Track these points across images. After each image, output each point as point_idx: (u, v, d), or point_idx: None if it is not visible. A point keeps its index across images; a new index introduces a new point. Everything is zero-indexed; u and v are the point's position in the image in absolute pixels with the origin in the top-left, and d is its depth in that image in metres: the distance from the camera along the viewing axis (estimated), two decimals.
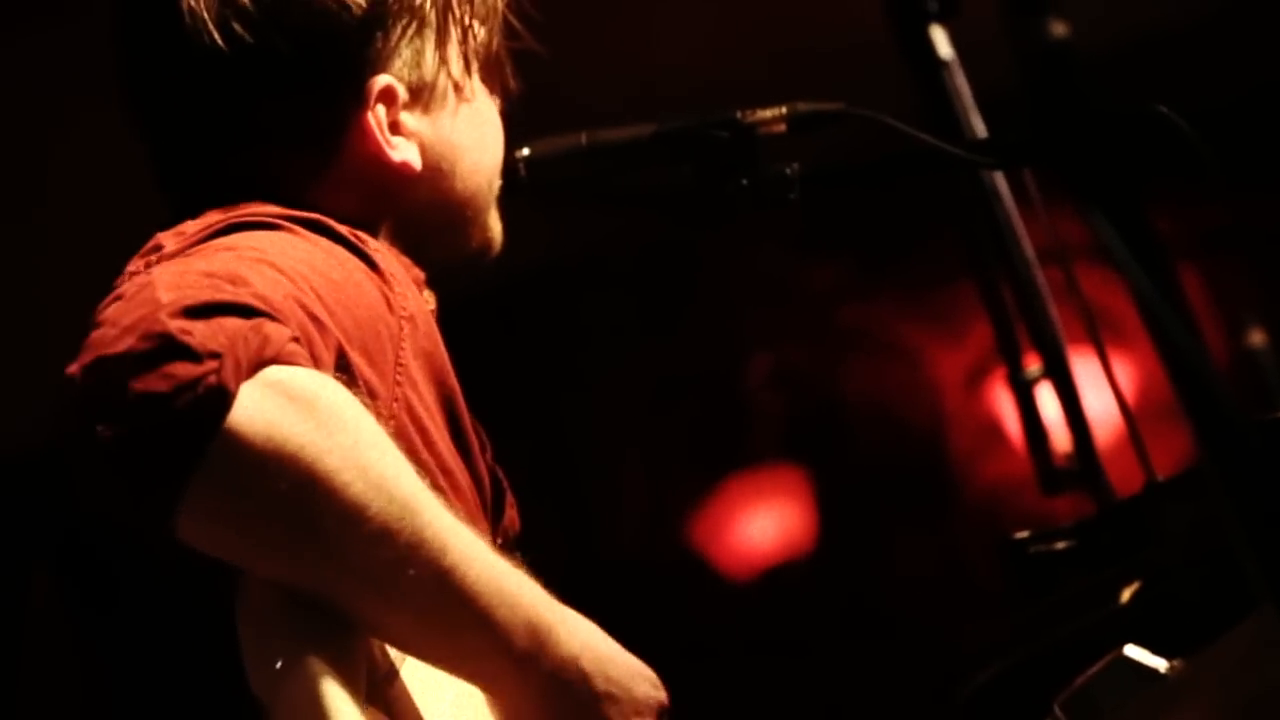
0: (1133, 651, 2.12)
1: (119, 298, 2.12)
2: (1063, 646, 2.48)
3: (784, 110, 2.58)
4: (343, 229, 2.32)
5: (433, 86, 2.52)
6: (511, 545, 2.61)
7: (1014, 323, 3.25)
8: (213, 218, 2.30)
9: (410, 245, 2.49)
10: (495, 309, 5.33)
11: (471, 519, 2.38)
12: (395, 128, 2.49)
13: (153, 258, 2.24)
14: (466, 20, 2.54)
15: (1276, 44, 5.12)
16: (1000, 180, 3.18)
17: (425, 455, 2.32)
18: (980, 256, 3.25)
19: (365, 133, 2.46)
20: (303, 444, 2.02)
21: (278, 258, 2.19)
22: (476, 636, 2.11)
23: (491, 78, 2.63)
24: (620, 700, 2.20)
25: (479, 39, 2.56)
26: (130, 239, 2.38)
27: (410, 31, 2.49)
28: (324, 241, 2.30)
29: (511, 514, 2.60)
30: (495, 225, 2.61)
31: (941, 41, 3.23)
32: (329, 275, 2.23)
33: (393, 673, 2.15)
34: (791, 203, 2.57)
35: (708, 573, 5.73)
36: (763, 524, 5.75)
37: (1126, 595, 2.54)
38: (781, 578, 5.71)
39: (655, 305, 5.75)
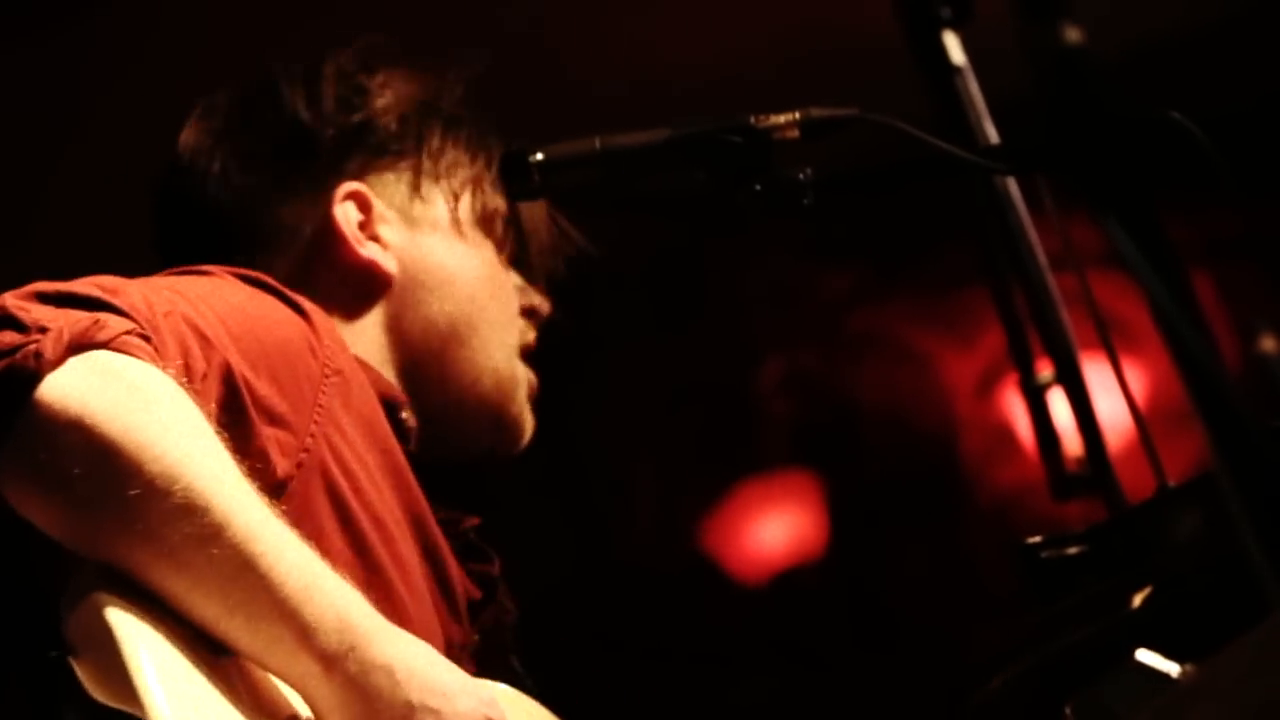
0: (1145, 656, 2.11)
1: None
2: (1075, 651, 2.48)
3: (797, 115, 2.58)
4: (277, 284, 2.41)
5: (414, 211, 2.67)
6: (503, 645, 2.61)
7: (1026, 328, 3.24)
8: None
9: (405, 364, 2.53)
10: None
11: (405, 580, 2.39)
12: (373, 236, 2.65)
13: None
14: (449, 171, 2.70)
15: None
16: (1013, 186, 3.18)
17: (350, 499, 2.36)
18: (992, 262, 3.25)
19: (337, 232, 2.62)
20: (113, 415, 2.06)
21: (185, 289, 2.28)
22: (281, 628, 2.11)
23: (503, 242, 2.70)
24: (440, 712, 2.15)
25: (484, 198, 2.72)
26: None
27: (391, 153, 2.68)
28: (251, 289, 2.38)
29: (496, 613, 2.61)
30: (516, 396, 2.67)
31: (954, 47, 3.23)
32: (242, 309, 2.31)
33: None
34: (804, 208, 2.58)
35: (719, 577, 5.72)
36: (773, 529, 5.74)
37: (1138, 600, 2.54)
38: (792, 582, 5.71)
39: (667, 310, 5.75)
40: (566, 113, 2.69)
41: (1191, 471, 2.70)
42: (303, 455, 2.31)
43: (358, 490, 2.36)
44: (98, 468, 2.06)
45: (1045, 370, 3.22)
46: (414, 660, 2.16)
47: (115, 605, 2.06)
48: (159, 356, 2.15)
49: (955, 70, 3.21)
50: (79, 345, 2.09)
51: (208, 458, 2.11)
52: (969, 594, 5.38)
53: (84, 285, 2.18)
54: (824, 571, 5.68)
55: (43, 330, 2.08)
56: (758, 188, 2.57)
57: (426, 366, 2.61)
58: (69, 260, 2.38)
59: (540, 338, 2.80)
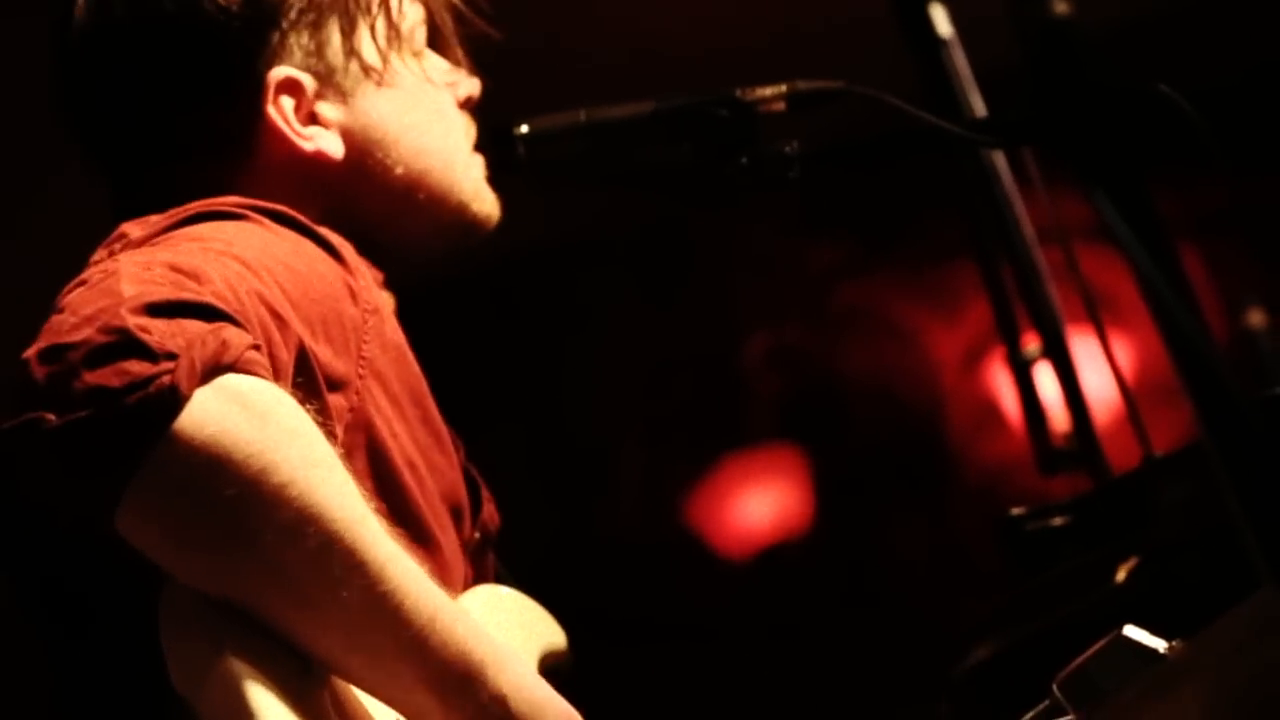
0: (1132, 631, 2.11)
1: (83, 284, 2.12)
2: (1062, 626, 2.48)
3: (784, 89, 2.57)
4: (308, 222, 2.33)
5: (345, 73, 2.52)
6: (491, 541, 2.60)
7: (1013, 302, 3.25)
8: (177, 209, 2.31)
9: (362, 236, 2.48)
10: (492, 288, 5.32)
11: (434, 512, 2.38)
12: (312, 118, 2.50)
13: (117, 246, 2.25)
14: (379, 5, 2.53)
15: (1276, 24, 5.12)
16: (1000, 160, 3.18)
17: (390, 446, 2.33)
18: (980, 236, 3.25)
19: (273, 128, 2.48)
20: (251, 454, 2.01)
21: (244, 250, 2.20)
22: (404, 665, 2.10)
23: (443, 55, 2.63)
24: None
25: (404, 19, 2.56)
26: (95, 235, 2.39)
27: (306, 22, 2.50)
28: (289, 233, 2.31)
29: (490, 509, 2.59)
30: (478, 203, 2.60)
31: (941, 20, 3.23)
32: (293, 266, 2.24)
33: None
34: (791, 182, 2.57)
35: (705, 553, 5.73)
36: (760, 504, 5.75)
37: (1122, 572, 2.53)
38: (778, 558, 5.71)
39: (653, 284, 5.75)
40: (555, 83, 2.66)
41: (1178, 444, 2.69)
42: (349, 415, 2.27)
43: (395, 436, 2.33)
44: (235, 512, 2.01)
45: (1032, 344, 3.23)
46: (529, 690, 2.16)
47: (251, 683, 2.02)
48: (274, 361, 2.10)
49: (942, 43, 3.21)
50: (209, 372, 2.02)
51: (339, 496, 2.06)
52: (956, 569, 5.39)
53: (174, 280, 2.08)
54: (810, 546, 5.69)
55: (171, 357, 2.00)
56: (744, 161, 2.56)
57: (386, 224, 2.53)
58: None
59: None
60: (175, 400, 1.99)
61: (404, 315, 2.58)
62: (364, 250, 2.48)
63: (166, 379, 1.99)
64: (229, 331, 2.05)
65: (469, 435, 2.62)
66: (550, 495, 5.65)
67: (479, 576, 2.53)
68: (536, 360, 5.76)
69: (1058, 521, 2.76)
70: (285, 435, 2.04)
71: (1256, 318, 4.03)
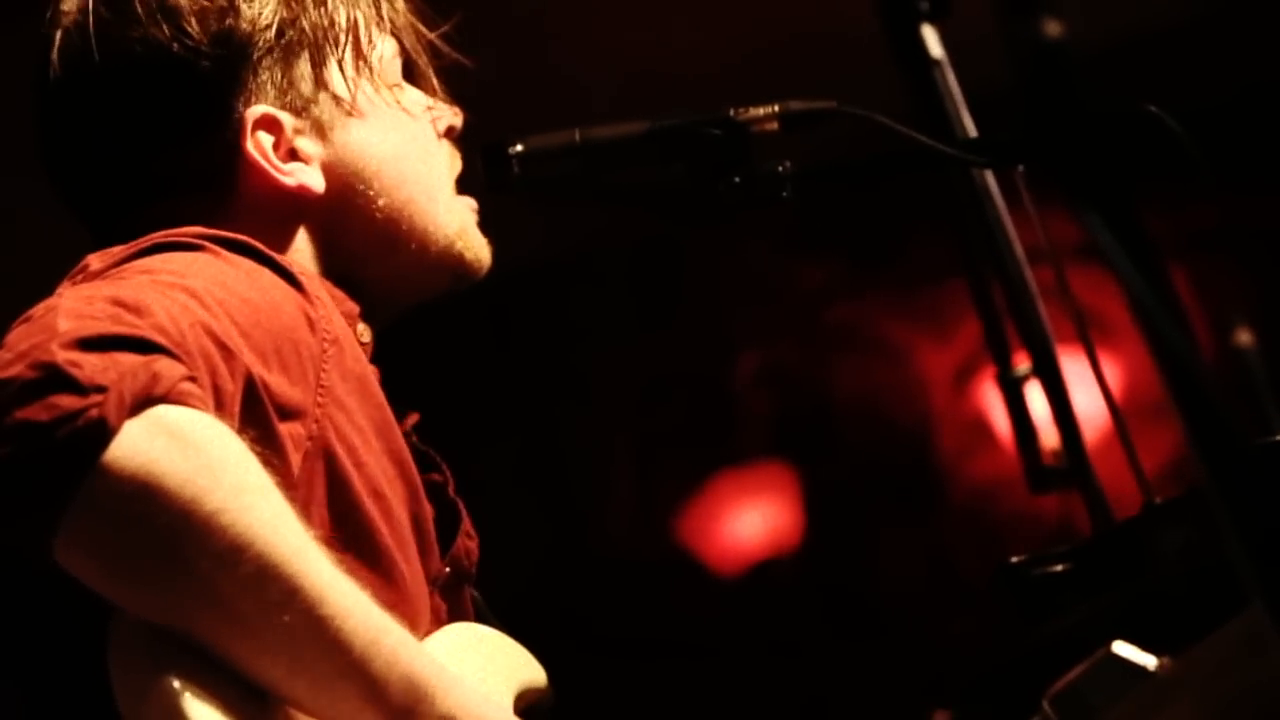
0: (1121, 649, 2.12)
1: (27, 319, 2.14)
2: (1052, 643, 2.48)
3: (776, 108, 2.58)
4: (267, 250, 2.34)
5: (321, 107, 2.53)
6: (467, 577, 2.60)
7: (1003, 321, 3.25)
8: (139, 240, 2.32)
9: (346, 271, 2.50)
10: (486, 306, 5.32)
11: (399, 542, 2.38)
12: (292, 154, 2.51)
13: (79, 278, 2.27)
14: (346, 37, 2.54)
15: (1266, 44, 5.14)
16: (991, 179, 3.19)
17: (352, 475, 2.32)
18: (970, 255, 3.26)
19: (253, 165, 2.49)
20: (182, 483, 2.02)
21: (194, 281, 2.21)
22: (349, 687, 2.11)
23: (420, 88, 2.64)
24: None
25: (373, 50, 2.57)
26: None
27: (276, 59, 2.51)
28: (246, 262, 2.31)
29: (468, 544, 2.59)
30: (463, 241, 2.60)
31: (933, 41, 3.23)
32: (246, 296, 2.25)
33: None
34: (783, 201, 2.58)
35: (696, 569, 5.73)
36: (751, 521, 5.75)
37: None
38: (769, 574, 5.72)
39: (646, 303, 5.76)
40: (548, 105, 2.67)
41: (1168, 465, 2.70)
42: (307, 444, 2.27)
43: (359, 464, 2.33)
44: (168, 541, 2.02)
45: (1022, 363, 3.23)
46: (472, 709, 2.17)
47: (196, 710, 2.04)
48: (203, 390, 2.10)
49: (934, 63, 3.22)
50: (139, 404, 2.03)
51: (274, 521, 2.07)
52: (945, 585, 5.39)
53: (113, 314, 2.09)
54: (800, 563, 5.69)
55: (100, 390, 2.01)
56: (736, 180, 2.57)
57: (370, 256, 2.54)
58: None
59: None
60: (103, 432, 2.00)
61: (398, 333, 2.59)
62: (346, 286, 2.49)
63: (95, 412, 2.01)
64: (162, 364, 2.06)
65: (463, 452, 2.63)
66: (543, 511, 5.66)
67: (455, 612, 2.52)
68: (531, 377, 5.76)
69: (1059, 568, 2.76)
70: (216, 464, 2.05)
71: (1245, 336, 4.04)
